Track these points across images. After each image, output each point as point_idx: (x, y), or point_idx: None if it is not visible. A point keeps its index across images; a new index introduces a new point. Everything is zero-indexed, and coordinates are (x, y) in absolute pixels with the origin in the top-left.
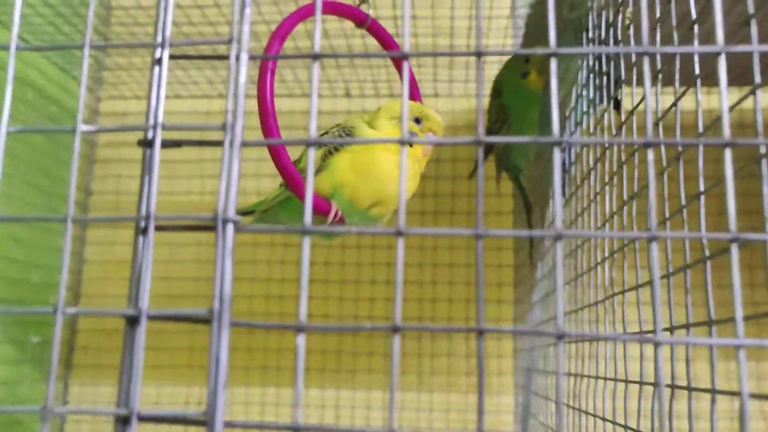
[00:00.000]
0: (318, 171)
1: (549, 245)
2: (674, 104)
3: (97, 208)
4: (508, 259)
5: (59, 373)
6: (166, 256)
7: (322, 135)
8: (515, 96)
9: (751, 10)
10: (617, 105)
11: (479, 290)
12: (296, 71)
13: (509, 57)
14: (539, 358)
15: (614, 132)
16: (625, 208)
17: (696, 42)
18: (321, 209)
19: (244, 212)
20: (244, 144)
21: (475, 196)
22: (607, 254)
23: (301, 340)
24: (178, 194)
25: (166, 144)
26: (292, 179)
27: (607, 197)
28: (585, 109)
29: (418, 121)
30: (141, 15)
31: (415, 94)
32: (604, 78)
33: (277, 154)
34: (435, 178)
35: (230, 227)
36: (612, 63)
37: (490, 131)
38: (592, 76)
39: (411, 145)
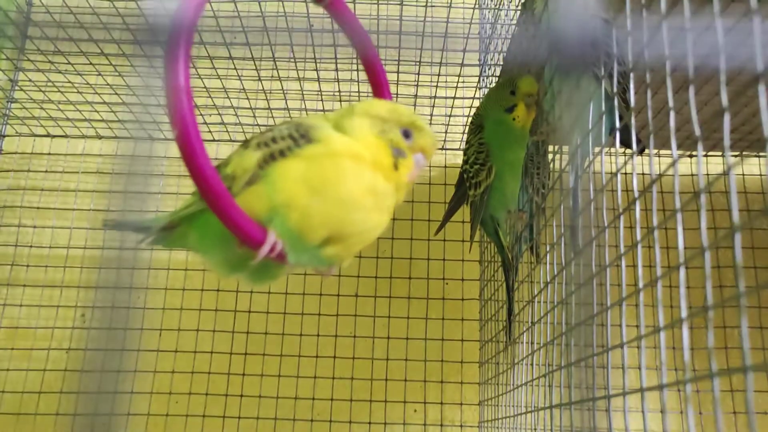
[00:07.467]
0: (252, 181)
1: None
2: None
3: None
4: (473, 333)
5: None
6: None
7: (264, 134)
8: (497, 134)
9: None
10: (642, 151)
11: None
12: (222, 113)
13: (492, 86)
14: None
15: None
16: None
17: None
18: (252, 238)
19: (140, 228)
20: None
21: (440, 260)
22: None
23: None
24: None
25: None
26: (209, 189)
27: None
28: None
29: (407, 134)
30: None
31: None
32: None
33: (188, 145)
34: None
35: None
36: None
37: (466, 174)
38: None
39: (397, 167)
